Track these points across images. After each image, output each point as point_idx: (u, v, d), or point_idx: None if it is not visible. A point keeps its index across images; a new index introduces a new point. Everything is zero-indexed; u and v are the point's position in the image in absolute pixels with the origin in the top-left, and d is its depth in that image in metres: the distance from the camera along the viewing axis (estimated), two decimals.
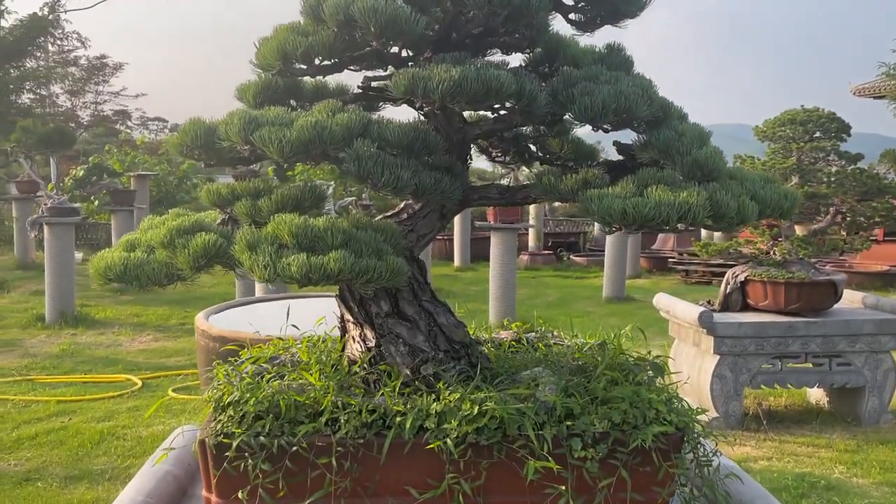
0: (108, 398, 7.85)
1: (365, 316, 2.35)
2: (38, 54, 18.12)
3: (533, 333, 2.91)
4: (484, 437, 2.02)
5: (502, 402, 2.07)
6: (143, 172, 18.81)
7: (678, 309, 7.11)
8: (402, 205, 2.64)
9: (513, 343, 2.79)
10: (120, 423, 6.94)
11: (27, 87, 16.20)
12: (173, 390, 8.06)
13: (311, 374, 2.25)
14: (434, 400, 2.11)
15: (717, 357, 6.80)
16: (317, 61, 2.21)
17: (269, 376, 2.32)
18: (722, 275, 17.44)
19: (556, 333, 2.94)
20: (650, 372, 2.47)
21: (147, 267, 2.10)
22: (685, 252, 18.56)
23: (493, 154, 2.87)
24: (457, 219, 18.65)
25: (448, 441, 1.99)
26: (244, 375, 2.30)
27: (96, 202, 18.72)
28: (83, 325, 11.36)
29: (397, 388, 2.20)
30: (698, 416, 2.26)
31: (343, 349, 2.45)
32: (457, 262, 20.43)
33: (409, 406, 2.08)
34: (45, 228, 11.80)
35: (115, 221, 16.07)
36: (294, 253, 1.88)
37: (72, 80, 23.74)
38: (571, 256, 21.86)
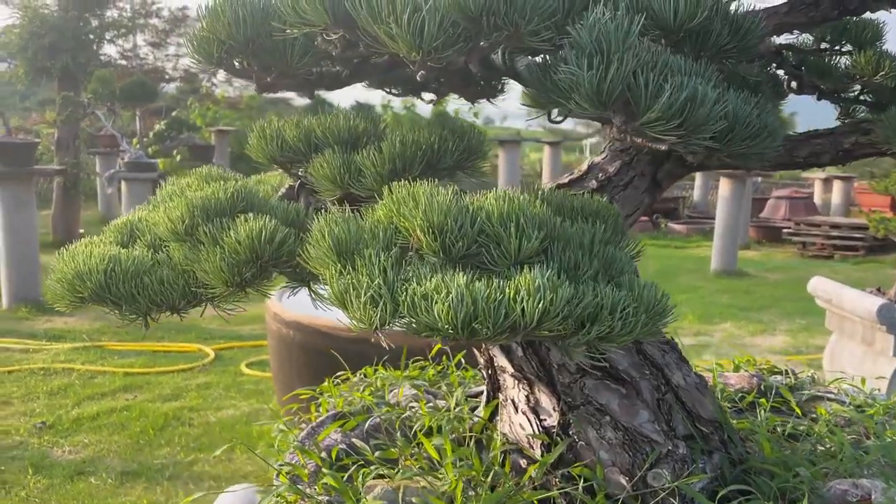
0: (177, 371, 7.22)
1: (538, 368, 1.28)
2: (120, 4, 17.72)
3: (779, 377, 1.79)
4: None
5: None
6: (223, 128, 18.36)
7: (845, 298, 5.80)
8: (585, 164, 1.57)
9: (758, 400, 1.68)
10: (188, 405, 6.27)
11: (108, 39, 15.71)
12: (247, 365, 7.38)
13: (444, 477, 1.22)
14: None
15: None
16: None
17: (368, 475, 1.29)
18: (845, 248, 15.65)
19: (815, 376, 1.81)
20: None
21: (150, 277, 1.10)
22: (802, 222, 16.80)
23: None
24: None
25: None
26: (323, 469, 1.29)
27: (178, 157, 18.41)
28: None
29: None
30: None
31: (492, 417, 1.40)
32: None
33: None
34: (123, 184, 11.32)
35: None
36: (438, 270, 0.84)
37: (154, 32, 23.37)
38: (669, 224, 20.35)
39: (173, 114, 20.17)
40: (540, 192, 1.17)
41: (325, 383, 1.88)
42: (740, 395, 1.72)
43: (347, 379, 1.94)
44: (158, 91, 18.92)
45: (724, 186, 13.54)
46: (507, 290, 0.82)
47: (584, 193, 1.28)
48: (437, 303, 0.80)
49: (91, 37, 14.46)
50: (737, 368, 1.89)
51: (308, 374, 4.02)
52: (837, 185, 19.47)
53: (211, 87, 24.51)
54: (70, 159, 13.62)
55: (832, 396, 1.73)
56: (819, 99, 1.70)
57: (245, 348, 7.91)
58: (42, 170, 11.32)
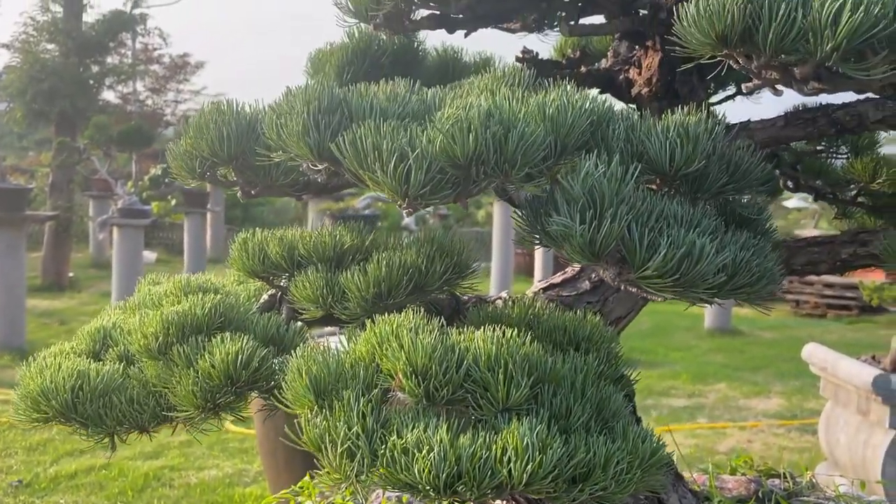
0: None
1: None
2: (122, 51, 17.92)
3: (777, 481, 1.73)
4: None
5: None
6: None
7: (840, 368, 5.74)
8: (578, 266, 1.52)
9: None
10: (169, 463, 6.09)
11: (108, 84, 15.85)
12: (232, 421, 7.20)
13: None
14: None
15: (894, 432, 5.40)
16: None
17: None
18: (838, 307, 15.63)
19: (814, 480, 1.74)
20: None
21: (118, 396, 1.04)
22: (795, 280, 16.81)
23: None
24: None
25: None
26: None
27: (173, 201, 18.40)
28: None
29: None
30: None
31: None
32: (537, 277, 19.31)
33: None
34: (115, 230, 11.26)
35: (188, 224, 15.61)
36: (420, 417, 0.78)
37: (154, 78, 23.61)
38: None
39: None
40: (531, 310, 1.12)
41: (306, 477, 1.81)
42: (738, 501, 1.66)
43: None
44: (156, 135, 19.03)
45: None
46: (493, 448, 0.76)
47: (576, 307, 1.23)
48: (417, 459, 0.75)
49: (91, 82, 14.59)
50: (733, 471, 1.83)
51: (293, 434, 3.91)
52: None
53: None
54: (63, 202, 13.60)
55: None
56: (815, 200, 1.67)
57: None
58: (34, 215, 11.27)
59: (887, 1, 0.82)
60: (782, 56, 0.86)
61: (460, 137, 0.81)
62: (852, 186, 1.62)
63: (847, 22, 0.80)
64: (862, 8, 0.80)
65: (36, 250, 14.31)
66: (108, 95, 17.64)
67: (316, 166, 0.93)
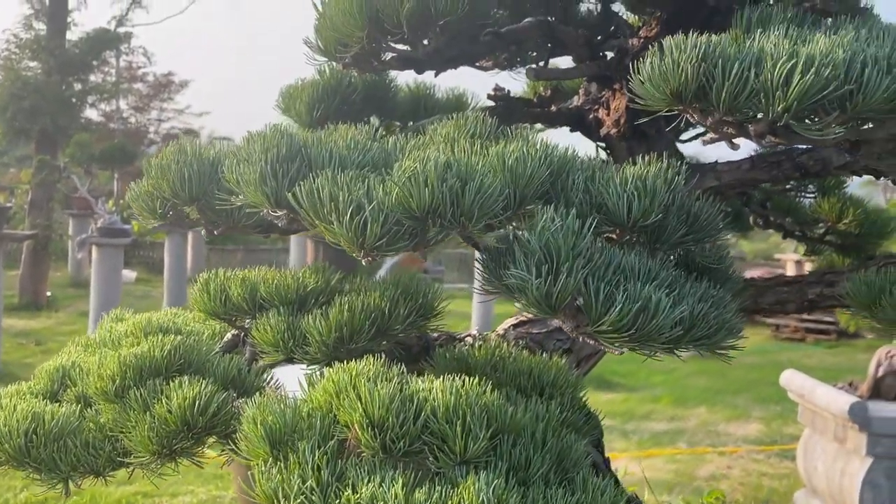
0: None
1: None
2: (105, 69, 17.84)
3: None
4: None
5: None
6: None
7: (818, 395, 5.77)
8: None
9: None
10: (142, 489, 5.99)
11: (90, 102, 15.77)
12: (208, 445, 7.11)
13: None
14: None
15: (871, 460, 5.43)
16: (426, 41, 1.11)
17: None
18: (817, 331, 15.76)
19: None
20: None
21: (73, 440, 1.01)
22: None
23: None
24: None
25: None
26: None
27: None
28: None
29: None
30: None
31: None
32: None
33: None
34: (94, 249, 11.14)
35: (169, 243, 15.48)
36: (377, 470, 0.77)
37: (138, 96, 23.52)
38: None
39: None
40: (497, 352, 1.11)
41: None
42: None
43: None
44: (138, 153, 18.92)
45: None
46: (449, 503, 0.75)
47: (546, 345, 1.23)
48: None
49: (73, 100, 14.51)
50: None
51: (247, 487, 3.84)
52: (809, 268, 19.73)
53: None
54: (42, 220, 13.45)
55: None
56: (784, 237, 1.68)
57: None
58: (12, 234, 11.13)
59: (838, 63, 0.83)
60: (736, 114, 0.88)
61: (416, 191, 0.81)
62: (821, 225, 1.63)
63: (798, 84, 0.81)
64: (813, 70, 0.81)
65: (14, 268, 14.11)
66: (91, 113, 17.55)
67: (273, 212, 0.92)
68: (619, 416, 8.84)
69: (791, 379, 6.35)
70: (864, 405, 5.43)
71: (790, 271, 21.34)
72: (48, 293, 14.57)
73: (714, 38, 0.91)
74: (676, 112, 0.95)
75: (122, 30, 15.63)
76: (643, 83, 0.91)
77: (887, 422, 5.37)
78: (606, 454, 1.52)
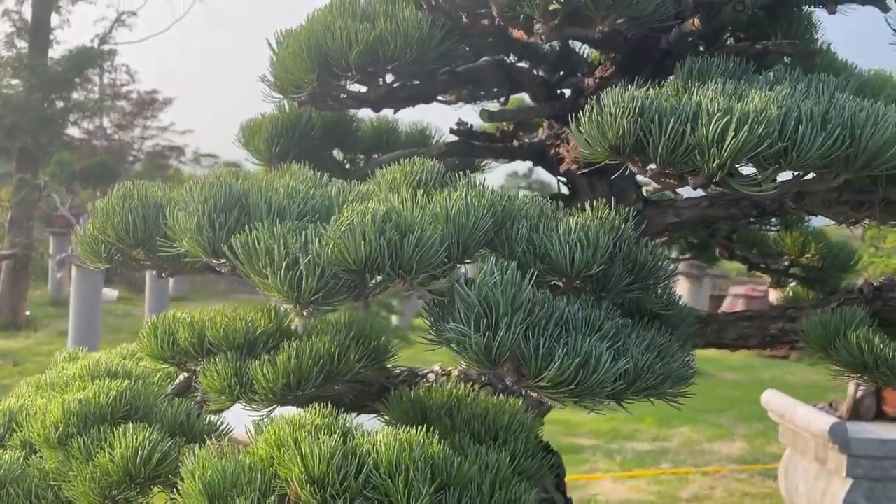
0: None
1: None
2: (88, 86, 17.79)
3: None
4: None
5: None
6: None
7: (798, 415, 5.79)
8: None
9: None
10: None
11: (73, 120, 15.69)
12: None
13: None
14: None
15: (851, 481, 5.45)
16: (384, 79, 1.10)
17: None
18: (801, 348, 15.85)
19: None
20: None
21: (16, 488, 0.99)
22: None
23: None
24: None
25: None
26: None
27: None
28: None
29: None
30: None
31: None
32: None
33: None
34: (73, 268, 11.02)
35: None
36: None
37: (121, 114, 23.44)
38: None
39: None
40: (454, 394, 1.10)
41: None
42: None
43: None
44: (121, 171, 18.83)
45: (682, 285, 13.77)
46: None
47: (504, 385, 1.21)
48: None
49: (55, 118, 14.42)
50: None
51: None
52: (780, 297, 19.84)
53: (179, 169, 24.49)
54: (22, 239, 13.31)
55: None
56: (750, 270, 1.69)
57: None
58: None
59: (772, 120, 0.83)
60: (674, 167, 0.88)
61: (353, 243, 0.80)
62: (785, 258, 1.64)
63: (731, 140, 0.81)
64: (746, 127, 0.81)
65: None
66: (74, 131, 17.44)
67: (214, 261, 0.91)
68: (603, 435, 8.81)
69: (771, 399, 6.36)
70: (843, 426, 5.45)
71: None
72: (27, 312, 14.39)
73: (651, 91, 0.91)
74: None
75: (105, 48, 15.58)
76: (580, 137, 0.91)
77: (866, 443, 5.39)
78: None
